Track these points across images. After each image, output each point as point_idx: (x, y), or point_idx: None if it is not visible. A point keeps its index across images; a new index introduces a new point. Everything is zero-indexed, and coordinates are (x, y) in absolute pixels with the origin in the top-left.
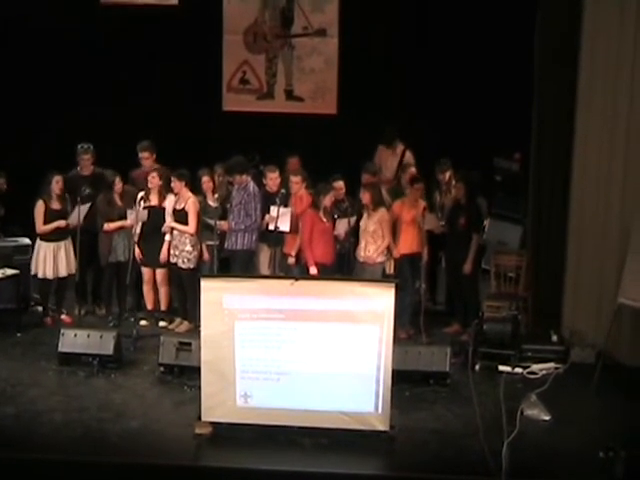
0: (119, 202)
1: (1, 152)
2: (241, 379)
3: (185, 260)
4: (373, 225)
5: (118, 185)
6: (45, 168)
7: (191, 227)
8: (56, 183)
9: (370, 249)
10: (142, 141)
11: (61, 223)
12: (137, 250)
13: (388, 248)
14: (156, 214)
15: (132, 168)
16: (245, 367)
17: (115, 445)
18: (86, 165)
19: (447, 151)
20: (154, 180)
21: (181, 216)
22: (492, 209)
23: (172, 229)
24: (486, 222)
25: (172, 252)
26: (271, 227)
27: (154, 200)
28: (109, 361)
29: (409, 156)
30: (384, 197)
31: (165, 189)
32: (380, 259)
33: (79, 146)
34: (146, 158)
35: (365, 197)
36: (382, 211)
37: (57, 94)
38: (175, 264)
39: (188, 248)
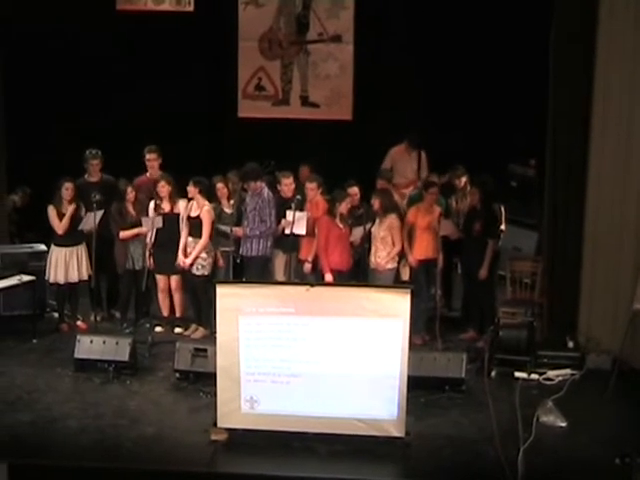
0: (132, 211)
1: (21, 163)
2: (246, 382)
3: (199, 267)
4: (383, 231)
5: (130, 194)
6: (58, 175)
7: (204, 238)
8: (66, 190)
9: (380, 255)
10: (150, 145)
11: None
12: (150, 258)
13: (403, 254)
14: (169, 221)
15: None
16: (250, 369)
17: (130, 451)
18: (95, 171)
19: (462, 157)
20: (164, 189)
21: (195, 224)
22: (507, 215)
23: (187, 236)
24: (503, 228)
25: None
26: (287, 232)
27: (166, 207)
28: (125, 367)
29: (424, 158)
30: (398, 203)
31: (174, 195)
32: (390, 266)
33: (87, 152)
34: (154, 160)
35: (375, 203)
36: (392, 217)
37: (71, 100)
38: (189, 271)
39: (203, 255)
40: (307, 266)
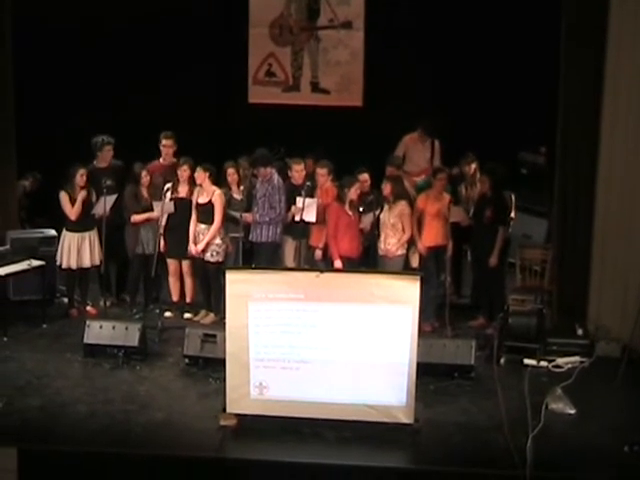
0: (146, 195)
1: (31, 149)
2: (255, 368)
3: (214, 253)
4: (393, 218)
5: (145, 178)
6: (68, 160)
7: (217, 222)
8: (80, 176)
9: (390, 242)
10: (166, 131)
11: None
12: (162, 242)
13: (412, 241)
14: (183, 206)
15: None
16: (260, 355)
17: (139, 437)
18: (106, 157)
19: (473, 144)
20: (185, 173)
21: (205, 210)
22: (517, 202)
23: (197, 223)
24: (513, 215)
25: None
26: (297, 218)
27: (183, 192)
28: (134, 353)
29: (437, 147)
30: (409, 190)
31: (194, 181)
32: (399, 252)
33: (100, 138)
34: (169, 146)
35: (386, 189)
36: (402, 204)
37: (81, 86)
38: (202, 257)
39: (217, 241)
40: (318, 253)
